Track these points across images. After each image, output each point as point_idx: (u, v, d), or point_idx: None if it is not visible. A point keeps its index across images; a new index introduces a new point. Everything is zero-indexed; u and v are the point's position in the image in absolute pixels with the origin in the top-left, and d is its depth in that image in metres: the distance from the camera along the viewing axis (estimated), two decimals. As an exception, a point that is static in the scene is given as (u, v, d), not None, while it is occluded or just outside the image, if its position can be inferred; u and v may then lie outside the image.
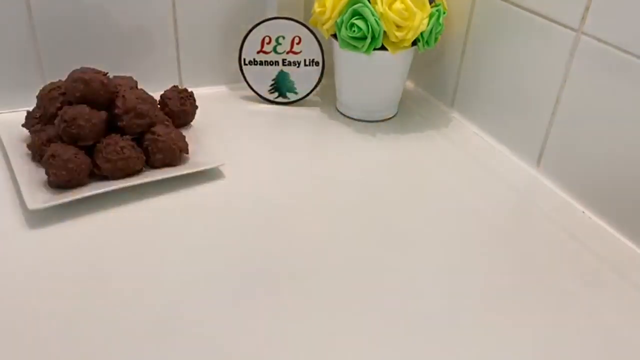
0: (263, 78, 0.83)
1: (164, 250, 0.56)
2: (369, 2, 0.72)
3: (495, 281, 0.55)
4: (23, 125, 0.67)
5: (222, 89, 0.87)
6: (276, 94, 0.84)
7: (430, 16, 0.74)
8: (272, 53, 0.82)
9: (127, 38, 0.79)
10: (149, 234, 0.58)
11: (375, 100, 0.81)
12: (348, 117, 0.82)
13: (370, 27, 0.72)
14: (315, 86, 0.84)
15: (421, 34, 0.74)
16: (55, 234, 0.56)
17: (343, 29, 0.73)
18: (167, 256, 0.55)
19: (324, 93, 0.87)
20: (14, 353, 0.44)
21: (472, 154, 0.76)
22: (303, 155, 0.74)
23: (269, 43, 0.81)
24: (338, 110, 0.84)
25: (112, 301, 0.49)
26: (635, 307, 0.53)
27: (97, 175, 0.62)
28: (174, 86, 0.75)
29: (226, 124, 0.78)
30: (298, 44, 0.81)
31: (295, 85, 0.84)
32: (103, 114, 0.63)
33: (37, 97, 0.67)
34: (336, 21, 0.74)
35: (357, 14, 0.72)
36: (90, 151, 0.62)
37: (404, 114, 0.84)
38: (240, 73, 0.83)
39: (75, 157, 0.60)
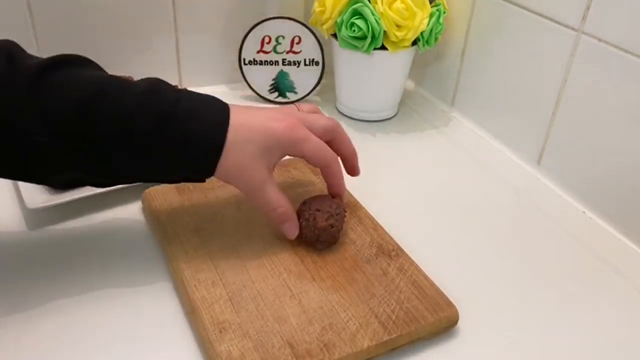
0: (263, 78, 0.83)
1: (164, 250, 0.56)
2: (369, 1, 0.72)
3: (494, 280, 0.55)
4: (23, 125, 0.67)
5: (222, 88, 0.87)
6: (276, 94, 0.84)
7: (431, 16, 0.74)
8: (272, 53, 0.82)
9: (126, 37, 0.79)
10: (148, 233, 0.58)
11: (375, 100, 0.81)
12: (348, 117, 0.82)
13: (370, 26, 0.72)
14: (315, 86, 0.84)
15: (421, 33, 0.74)
16: (54, 234, 0.56)
17: (343, 28, 0.73)
18: (167, 256, 0.55)
19: (324, 93, 0.87)
20: (13, 354, 0.44)
21: (472, 153, 0.76)
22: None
23: (268, 43, 0.81)
24: (338, 110, 0.84)
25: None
26: (635, 307, 0.53)
27: (96, 174, 0.62)
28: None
29: (226, 124, 0.78)
30: (298, 43, 0.81)
31: (295, 85, 0.84)
32: (103, 114, 0.63)
33: (36, 96, 0.67)
34: (336, 21, 0.74)
35: (357, 13, 0.72)
36: (89, 151, 0.62)
37: (404, 114, 0.84)
38: (240, 73, 0.83)
39: (75, 156, 0.60)
